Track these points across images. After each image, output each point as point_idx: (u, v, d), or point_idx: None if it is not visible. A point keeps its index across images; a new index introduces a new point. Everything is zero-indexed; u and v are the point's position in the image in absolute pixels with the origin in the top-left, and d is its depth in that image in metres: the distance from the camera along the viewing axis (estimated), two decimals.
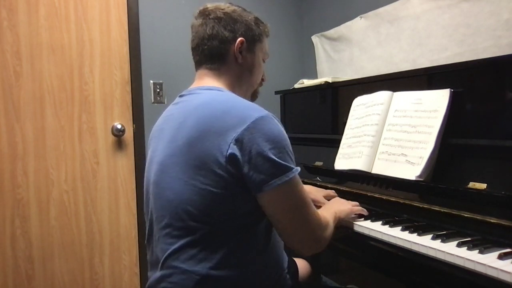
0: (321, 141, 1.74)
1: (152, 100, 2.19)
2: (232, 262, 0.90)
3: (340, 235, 1.14)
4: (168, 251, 0.91)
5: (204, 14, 1.03)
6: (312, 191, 1.37)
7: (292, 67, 2.59)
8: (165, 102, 2.20)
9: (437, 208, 1.09)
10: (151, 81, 2.18)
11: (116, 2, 2.08)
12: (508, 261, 0.82)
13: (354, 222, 1.15)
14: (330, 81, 1.79)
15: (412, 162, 1.18)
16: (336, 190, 1.43)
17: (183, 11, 2.24)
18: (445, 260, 0.90)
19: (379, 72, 1.92)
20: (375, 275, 1.34)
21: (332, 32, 2.31)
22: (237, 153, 0.84)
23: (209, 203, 0.87)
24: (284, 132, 0.91)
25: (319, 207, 1.28)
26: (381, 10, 1.96)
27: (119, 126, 2.09)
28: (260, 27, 1.07)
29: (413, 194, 1.19)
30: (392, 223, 1.12)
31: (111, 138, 2.10)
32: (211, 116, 0.89)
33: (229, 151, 0.84)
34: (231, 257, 0.89)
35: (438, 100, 1.19)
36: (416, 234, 1.02)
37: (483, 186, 1.01)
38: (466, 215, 1.02)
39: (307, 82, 1.99)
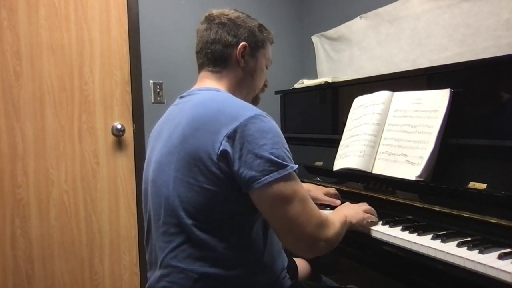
0: (321, 141, 1.74)
1: (152, 100, 2.19)
2: (230, 260, 0.90)
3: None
4: (166, 250, 0.91)
5: (209, 19, 1.05)
6: (311, 189, 1.38)
7: (292, 67, 2.59)
8: (165, 102, 2.20)
9: (437, 208, 1.09)
10: (151, 81, 2.18)
11: (116, 2, 2.08)
12: (508, 261, 0.82)
13: None
14: (330, 81, 1.79)
15: (412, 162, 1.18)
16: (336, 190, 1.43)
17: (183, 11, 2.24)
18: (445, 260, 0.90)
19: (379, 72, 1.92)
20: (375, 275, 1.34)
21: (332, 32, 2.31)
22: (229, 150, 0.85)
23: (205, 200, 0.88)
24: (278, 129, 0.90)
25: (319, 205, 1.28)
26: (381, 10, 1.96)
27: (119, 126, 2.09)
28: (264, 34, 1.08)
29: (413, 194, 1.19)
30: (392, 223, 1.12)
31: (111, 138, 2.10)
32: (205, 114, 0.90)
33: (221, 148, 0.85)
34: (229, 256, 0.89)
35: (438, 100, 1.19)
36: (416, 234, 1.03)
37: (483, 186, 1.01)
38: (466, 215, 1.02)
39: (307, 82, 1.99)
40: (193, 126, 0.90)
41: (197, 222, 0.88)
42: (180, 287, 0.89)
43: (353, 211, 1.10)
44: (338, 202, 1.34)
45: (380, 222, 1.14)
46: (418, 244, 0.96)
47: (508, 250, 0.87)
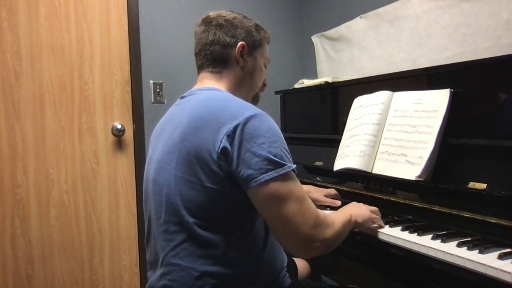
0: (321, 141, 1.74)
1: (152, 100, 2.19)
2: (230, 259, 0.90)
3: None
4: (167, 249, 0.92)
5: (207, 21, 1.06)
6: (311, 191, 1.37)
7: (292, 67, 2.59)
8: (165, 102, 2.20)
9: (437, 208, 1.09)
10: (151, 81, 2.18)
11: (116, 2, 2.08)
12: (508, 261, 0.82)
13: None
14: (330, 81, 1.79)
15: (412, 162, 1.18)
16: (336, 190, 1.43)
17: (183, 11, 2.24)
18: (445, 260, 0.90)
19: (379, 72, 1.92)
20: (375, 275, 1.34)
21: (332, 32, 2.31)
22: (228, 148, 0.85)
23: (206, 199, 0.88)
24: (277, 129, 0.90)
25: (319, 206, 1.28)
26: (381, 10, 1.96)
27: (119, 126, 2.09)
28: (261, 33, 1.10)
29: (413, 194, 1.19)
30: (392, 223, 1.12)
31: (111, 138, 2.10)
32: (206, 113, 0.91)
33: (221, 146, 0.85)
34: (229, 254, 0.90)
35: (438, 100, 1.19)
36: (416, 234, 1.03)
37: (483, 186, 1.01)
38: (466, 215, 1.02)
39: (307, 82, 1.99)
40: (194, 125, 0.90)
41: (199, 220, 0.89)
42: (181, 285, 0.89)
43: (359, 210, 1.08)
44: (339, 203, 1.33)
45: None
46: (418, 244, 0.96)
47: (508, 250, 0.87)
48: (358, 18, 2.11)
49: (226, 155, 0.86)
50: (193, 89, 1.06)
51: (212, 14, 1.07)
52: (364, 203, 1.16)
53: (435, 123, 1.16)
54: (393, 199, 1.24)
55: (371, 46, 2.04)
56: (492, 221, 0.96)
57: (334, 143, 1.54)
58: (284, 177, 0.86)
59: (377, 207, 1.15)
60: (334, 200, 1.35)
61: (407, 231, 1.05)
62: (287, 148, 0.90)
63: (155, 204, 0.97)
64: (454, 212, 1.05)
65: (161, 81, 2.20)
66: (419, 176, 1.14)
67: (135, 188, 2.17)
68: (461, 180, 1.07)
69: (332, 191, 1.39)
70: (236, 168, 0.85)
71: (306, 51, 2.59)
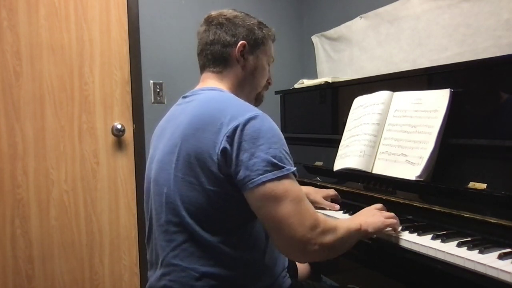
0: (321, 141, 1.74)
1: (152, 100, 2.19)
2: (231, 260, 0.90)
3: None
4: (167, 249, 0.91)
5: (208, 21, 1.06)
6: (310, 192, 1.36)
7: (292, 67, 2.59)
8: (165, 102, 2.20)
9: (437, 208, 1.09)
10: (151, 81, 2.18)
11: (116, 2, 2.08)
12: (508, 261, 0.82)
13: None
14: (330, 81, 1.79)
15: (412, 162, 1.18)
16: (336, 190, 1.42)
17: (183, 11, 2.24)
18: (445, 260, 0.90)
19: (379, 72, 1.92)
20: (375, 275, 1.34)
21: (332, 32, 2.31)
22: (228, 150, 0.85)
23: (206, 200, 0.88)
24: (278, 130, 0.89)
25: (318, 208, 1.28)
26: (381, 10, 1.96)
27: (119, 126, 2.09)
28: (264, 31, 1.08)
29: (413, 194, 1.19)
30: None
31: (111, 138, 2.10)
32: (206, 114, 0.91)
33: (221, 148, 0.85)
34: (230, 255, 0.90)
35: (438, 100, 1.19)
36: (416, 234, 1.03)
37: (483, 186, 1.01)
38: (466, 215, 1.02)
39: (307, 82, 1.99)
40: (194, 126, 0.90)
41: (199, 221, 0.89)
42: (181, 285, 0.89)
43: (372, 218, 1.01)
44: (337, 207, 1.32)
45: None
46: (418, 244, 0.96)
47: (508, 250, 0.87)
48: (358, 18, 2.11)
49: (225, 157, 0.85)
50: (195, 89, 1.06)
51: (213, 13, 1.06)
52: (364, 203, 1.16)
53: (435, 123, 1.16)
54: (393, 199, 1.24)
55: (371, 46, 2.04)
56: (492, 221, 0.96)
57: (334, 143, 1.54)
58: (282, 180, 0.84)
59: None
60: (333, 204, 1.34)
61: (407, 231, 1.05)
62: (287, 150, 0.89)
63: (156, 204, 0.97)
64: (454, 212, 1.05)
65: (161, 81, 2.20)
66: (419, 176, 1.14)
67: (135, 188, 2.17)
68: (461, 180, 1.07)
69: (331, 191, 1.39)
70: (234, 169, 0.85)
71: (306, 51, 2.59)
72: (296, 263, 1.30)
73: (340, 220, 1.00)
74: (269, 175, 0.83)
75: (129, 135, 2.14)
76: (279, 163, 0.84)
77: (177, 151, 0.91)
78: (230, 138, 0.85)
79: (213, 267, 0.88)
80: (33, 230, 1.94)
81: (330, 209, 1.32)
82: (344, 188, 1.43)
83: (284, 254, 0.91)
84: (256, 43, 1.06)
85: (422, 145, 1.18)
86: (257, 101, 1.13)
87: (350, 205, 1.34)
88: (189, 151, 0.89)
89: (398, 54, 1.88)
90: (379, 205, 1.10)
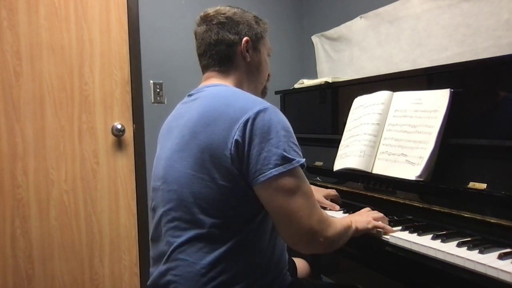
0: (321, 141, 1.74)
1: (152, 100, 2.19)
2: (237, 256, 0.90)
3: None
4: (175, 244, 0.92)
5: (207, 20, 1.05)
6: None
7: (292, 67, 2.59)
8: (165, 102, 2.20)
9: (437, 208, 1.09)
10: (151, 81, 2.18)
11: (116, 2, 2.08)
12: (508, 261, 0.82)
13: None
14: (330, 81, 1.79)
15: (412, 162, 1.18)
16: (336, 190, 1.43)
17: (183, 11, 2.24)
18: (445, 260, 0.90)
19: (379, 72, 1.92)
20: (375, 275, 1.34)
21: (332, 32, 2.31)
22: (239, 144, 0.86)
23: (218, 196, 0.88)
24: (287, 123, 0.90)
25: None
26: (381, 10, 1.96)
27: (119, 126, 2.09)
28: (261, 25, 1.10)
29: (413, 194, 1.19)
30: (392, 223, 1.12)
31: (111, 138, 2.10)
32: (214, 109, 0.91)
33: (233, 143, 0.86)
34: (236, 251, 0.90)
35: (438, 100, 1.19)
36: (416, 234, 1.03)
37: (483, 186, 1.01)
38: (466, 215, 1.02)
39: (307, 82, 1.99)
40: (203, 122, 0.90)
41: (210, 217, 0.89)
42: (186, 280, 0.89)
43: (360, 217, 1.08)
44: (337, 207, 1.33)
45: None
46: (418, 244, 0.96)
47: (508, 250, 0.87)
48: (358, 18, 2.11)
49: (238, 151, 0.86)
50: (199, 86, 1.05)
51: (211, 11, 1.05)
52: (364, 203, 1.16)
53: (435, 123, 1.16)
54: (393, 199, 1.24)
55: (371, 46, 2.04)
56: (492, 221, 0.96)
57: (334, 143, 1.54)
58: (292, 172, 0.86)
59: (377, 207, 1.15)
60: (333, 204, 1.34)
61: (407, 231, 1.05)
62: (296, 142, 0.90)
63: (164, 202, 0.97)
64: (454, 212, 1.05)
65: (161, 81, 2.20)
66: (419, 176, 1.14)
67: (135, 188, 2.17)
68: (461, 180, 1.07)
69: (332, 191, 1.39)
70: (246, 163, 0.86)
71: (306, 51, 2.59)
72: (296, 263, 1.30)
73: (335, 218, 1.01)
74: (280, 169, 0.84)
75: (129, 135, 2.14)
76: (289, 156, 0.86)
77: (188, 149, 0.91)
78: (241, 132, 0.85)
79: (220, 263, 0.89)
80: (33, 230, 1.94)
81: (330, 209, 1.32)
82: (344, 188, 1.43)
83: (290, 245, 0.93)
84: (257, 37, 1.07)
85: (422, 145, 1.18)
86: (263, 94, 1.15)
87: (350, 205, 1.34)
88: (200, 148, 0.89)
89: (398, 54, 1.88)
90: (367, 208, 1.15)
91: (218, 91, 0.98)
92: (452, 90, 1.17)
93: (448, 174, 1.13)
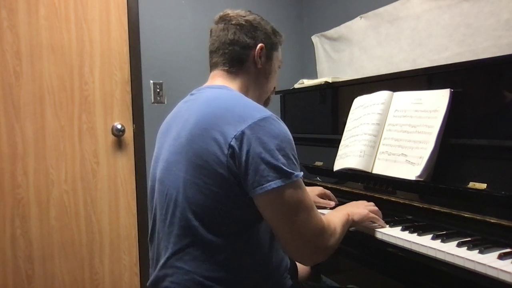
0: (321, 141, 1.74)
1: (152, 100, 2.19)
2: (235, 264, 0.89)
3: None
4: (171, 251, 0.90)
5: (226, 19, 1.05)
6: None
7: (292, 67, 2.59)
8: (165, 102, 2.20)
9: (437, 208, 1.09)
10: (151, 81, 2.18)
11: (116, 2, 2.08)
12: (508, 261, 0.82)
13: None
14: (330, 81, 1.79)
15: (412, 162, 1.18)
16: (336, 190, 1.43)
17: (183, 11, 2.24)
18: (445, 260, 0.90)
19: (379, 72, 1.92)
20: (375, 275, 1.34)
21: (332, 32, 2.31)
22: (237, 152, 0.83)
23: (213, 203, 0.86)
24: (288, 134, 0.89)
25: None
26: (381, 10, 1.96)
27: (119, 126, 2.09)
28: (277, 36, 1.10)
29: (413, 194, 1.19)
30: (392, 223, 1.12)
31: (111, 138, 2.10)
32: (213, 113, 0.89)
33: (230, 150, 0.84)
34: (234, 260, 0.89)
35: (438, 100, 1.19)
36: (416, 234, 1.02)
37: (483, 186, 1.01)
38: (466, 215, 1.02)
39: (307, 82, 1.99)
40: (201, 126, 0.88)
41: (205, 224, 0.87)
42: None
43: (357, 209, 1.09)
44: (333, 204, 1.33)
45: None
46: (418, 244, 0.96)
47: (508, 250, 0.87)
48: (358, 18, 2.11)
49: (234, 159, 0.84)
50: (203, 86, 1.04)
51: (231, 12, 1.05)
52: None
53: (435, 123, 1.16)
54: (393, 199, 1.24)
55: (371, 46, 2.04)
56: (492, 221, 0.96)
57: (334, 143, 1.54)
58: (291, 186, 0.84)
59: (377, 207, 1.15)
60: (328, 201, 1.34)
61: (407, 231, 1.05)
62: (295, 153, 0.89)
63: (161, 204, 0.95)
64: (454, 212, 1.05)
65: (161, 81, 2.20)
66: (419, 176, 1.14)
67: (135, 188, 2.17)
68: (461, 180, 1.07)
69: (326, 190, 1.39)
70: (243, 172, 0.84)
71: (306, 51, 2.59)
72: (297, 263, 1.30)
73: (332, 215, 1.00)
74: (278, 182, 0.82)
75: (129, 135, 2.14)
76: (288, 170, 0.84)
77: (184, 152, 0.90)
78: (239, 140, 0.83)
79: (217, 272, 0.87)
80: (33, 230, 1.94)
81: (325, 207, 1.32)
82: (344, 188, 1.43)
83: (293, 258, 0.93)
84: (271, 47, 1.08)
85: (422, 145, 1.18)
86: (265, 104, 1.14)
87: None
88: (196, 152, 0.87)
89: (398, 54, 1.88)
90: (363, 201, 1.17)
91: (219, 94, 0.97)
92: (452, 90, 1.17)
93: (448, 174, 1.13)
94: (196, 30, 2.23)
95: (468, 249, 0.89)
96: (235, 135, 0.84)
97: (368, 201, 1.20)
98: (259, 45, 1.03)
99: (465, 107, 1.20)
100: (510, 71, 1.10)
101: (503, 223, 0.94)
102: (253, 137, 0.83)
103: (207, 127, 0.87)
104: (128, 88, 2.14)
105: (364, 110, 1.43)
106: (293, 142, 0.89)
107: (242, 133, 0.83)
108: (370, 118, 1.38)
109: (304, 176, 1.60)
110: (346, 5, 2.23)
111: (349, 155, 1.39)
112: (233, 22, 1.03)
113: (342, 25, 2.22)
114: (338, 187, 1.45)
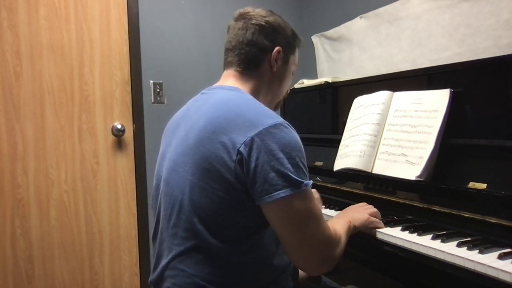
0: (321, 141, 1.74)
1: (152, 100, 2.18)
2: (238, 269, 0.88)
3: None
4: (174, 252, 0.89)
5: (246, 18, 1.02)
6: None
7: None
8: (165, 102, 2.20)
9: (437, 208, 1.09)
10: (151, 81, 2.18)
11: (116, 2, 2.08)
12: (508, 261, 0.82)
13: None
14: (330, 81, 1.79)
15: (412, 162, 1.18)
16: (336, 190, 1.43)
17: (183, 11, 2.24)
18: (445, 260, 0.90)
19: (379, 72, 1.92)
20: (375, 275, 1.34)
21: (332, 32, 2.31)
22: (245, 158, 0.81)
23: (218, 208, 0.85)
24: (299, 141, 0.86)
25: None
26: (381, 10, 1.96)
27: (119, 126, 2.09)
28: (296, 40, 1.08)
29: (413, 194, 1.19)
30: (392, 223, 1.12)
31: (111, 138, 2.10)
32: (223, 117, 0.87)
33: (238, 156, 0.82)
34: (237, 265, 0.87)
35: (438, 100, 1.19)
36: (416, 234, 1.03)
37: (483, 186, 1.01)
38: (466, 215, 1.02)
39: (307, 82, 1.99)
40: (210, 128, 0.86)
41: (210, 229, 0.86)
42: None
43: (357, 214, 1.07)
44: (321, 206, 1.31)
45: None
46: (418, 244, 0.96)
47: (508, 250, 0.87)
48: (358, 18, 2.11)
49: (242, 165, 0.82)
50: (214, 85, 1.02)
51: (251, 11, 1.02)
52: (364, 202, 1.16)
53: (435, 123, 1.16)
54: (393, 199, 1.24)
55: (371, 46, 2.04)
56: (492, 221, 0.96)
57: (334, 143, 1.54)
58: (300, 196, 0.83)
59: (377, 207, 1.15)
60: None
61: (407, 231, 1.05)
62: (305, 162, 0.86)
63: (166, 205, 0.94)
64: (454, 212, 1.05)
65: (161, 81, 2.20)
66: (419, 176, 1.14)
67: (135, 188, 2.17)
68: (461, 180, 1.07)
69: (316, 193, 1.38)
70: (251, 179, 0.82)
71: (306, 51, 2.59)
72: None
73: (336, 223, 0.99)
74: (287, 191, 0.81)
75: (129, 135, 2.14)
76: (297, 179, 0.82)
77: (191, 154, 0.88)
78: (249, 146, 0.81)
79: (219, 277, 0.86)
80: (33, 230, 1.94)
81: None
82: (344, 188, 1.43)
83: (299, 268, 0.92)
84: (289, 51, 1.05)
85: (422, 145, 1.18)
86: (276, 108, 1.11)
87: (350, 205, 1.34)
88: (203, 156, 0.85)
89: (398, 54, 1.88)
90: (362, 203, 1.16)
91: (231, 97, 0.94)
92: (452, 90, 1.17)
93: (448, 174, 1.13)
94: (196, 30, 2.23)
95: (468, 249, 0.89)
96: (244, 141, 0.81)
97: (368, 201, 1.20)
98: (277, 48, 1.00)
99: (465, 107, 1.20)
100: (510, 71, 1.10)
101: (503, 223, 0.94)
102: (263, 144, 0.81)
103: (216, 131, 0.85)
104: (128, 88, 2.14)
105: (364, 110, 1.43)
106: (303, 150, 0.87)
107: (252, 139, 0.81)
108: (370, 118, 1.38)
109: None
110: (346, 5, 2.23)
111: (349, 155, 1.39)
112: (253, 22, 1.00)
113: (342, 25, 2.22)
114: (338, 187, 1.45)
